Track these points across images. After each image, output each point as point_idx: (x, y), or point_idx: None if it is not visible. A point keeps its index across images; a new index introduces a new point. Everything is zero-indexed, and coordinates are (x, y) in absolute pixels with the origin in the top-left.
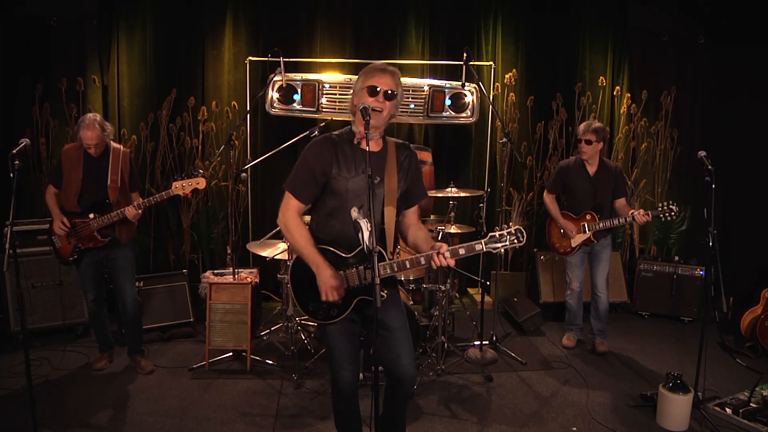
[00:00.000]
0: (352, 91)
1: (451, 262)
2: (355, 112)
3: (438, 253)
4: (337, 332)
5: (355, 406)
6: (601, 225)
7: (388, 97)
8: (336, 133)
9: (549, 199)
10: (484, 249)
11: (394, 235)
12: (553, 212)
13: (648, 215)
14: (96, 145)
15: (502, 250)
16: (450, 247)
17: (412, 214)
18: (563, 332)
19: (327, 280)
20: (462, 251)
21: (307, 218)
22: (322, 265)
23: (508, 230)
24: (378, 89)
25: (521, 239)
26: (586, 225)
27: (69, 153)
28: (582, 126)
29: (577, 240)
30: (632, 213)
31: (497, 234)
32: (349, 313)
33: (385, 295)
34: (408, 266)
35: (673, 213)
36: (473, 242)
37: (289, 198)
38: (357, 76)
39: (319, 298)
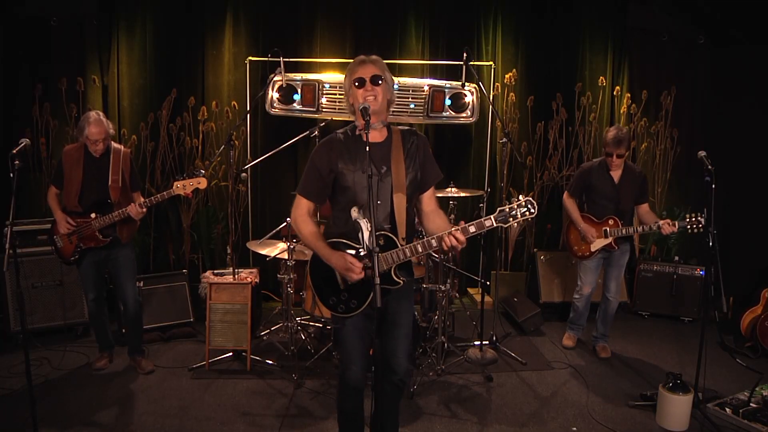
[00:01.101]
0: (343, 93)
1: (461, 239)
2: (355, 111)
3: (449, 234)
4: (352, 327)
5: (359, 406)
6: (623, 231)
7: (376, 82)
8: (340, 131)
9: (569, 203)
10: (494, 224)
11: (407, 222)
12: (574, 215)
13: (674, 226)
14: (102, 140)
15: (515, 224)
16: (461, 226)
17: (428, 199)
18: (563, 331)
19: (340, 262)
20: (472, 228)
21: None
22: (330, 253)
23: (518, 203)
24: (364, 79)
25: (533, 210)
26: (608, 230)
27: (70, 153)
28: (611, 138)
29: (597, 245)
30: (657, 222)
31: (507, 208)
32: (367, 307)
33: (402, 282)
34: (420, 250)
35: (700, 226)
36: (482, 218)
37: (299, 199)
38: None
39: (338, 292)
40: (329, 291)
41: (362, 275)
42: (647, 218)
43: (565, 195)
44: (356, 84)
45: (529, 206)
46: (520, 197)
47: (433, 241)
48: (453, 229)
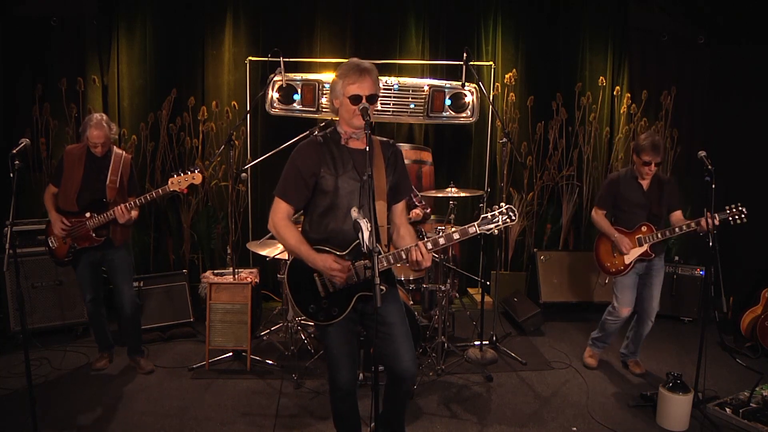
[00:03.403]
0: (330, 90)
1: (425, 253)
2: (338, 111)
3: (415, 246)
4: (336, 332)
5: (354, 406)
6: (659, 236)
7: (372, 101)
8: (321, 134)
9: (599, 216)
10: (478, 231)
11: (387, 229)
12: (605, 228)
13: (714, 218)
14: (103, 144)
15: (496, 231)
16: (445, 233)
17: (399, 212)
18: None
19: (327, 265)
20: (456, 236)
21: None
22: (315, 256)
23: (500, 210)
24: (361, 97)
25: (513, 218)
26: (642, 237)
27: (71, 152)
28: (646, 143)
29: (632, 255)
30: (696, 220)
31: (489, 215)
32: (348, 312)
33: (384, 289)
34: (392, 261)
35: (743, 215)
36: (466, 225)
37: (278, 202)
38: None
39: (318, 299)
40: (309, 299)
41: (351, 272)
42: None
43: (594, 209)
44: (351, 99)
45: (510, 213)
46: (502, 205)
47: (402, 253)
48: (420, 244)
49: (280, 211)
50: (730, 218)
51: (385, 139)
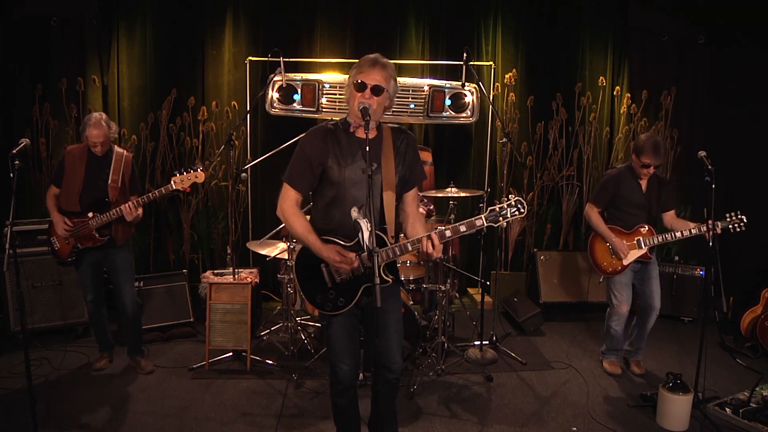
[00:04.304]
0: (344, 88)
1: (438, 248)
2: (350, 106)
3: (427, 237)
4: (339, 325)
5: (354, 402)
6: (659, 239)
7: (376, 92)
8: (332, 122)
9: (594, 214)
10: (486, 224)
11: (394, 220)
12: (601, 228)
13: (716, 226)
14: (102, 143)
15: (505, 223)
16: (451, 225)
17: (411, 200)
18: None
19: (334, 256)
20: (463, 228)
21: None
22: (322, 246)
23: (508, 202)
24: (366, 85)
25: (522, 210)
26: (641, 240)
27: (72, 152)
28: (647, 144)
29: (630, 257)
30: (698, 226)
31: (497, 207)
32: (352, 306)
33: (390, 281)
34: (398, 252)
35: (743, 224)
36: (473, 218)
37: (287, 189)
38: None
39: (325, 289)
40: (316, 288)
41: (356, 264)
42: (678, 225)
43: (588, 206)
44: (356, 86)
45: (519, 206)
46: (510, 197)
47: (409, 245)
48: (433, 235)
49: (289, 198)
50: (731, 226)
51: (396, 125)
